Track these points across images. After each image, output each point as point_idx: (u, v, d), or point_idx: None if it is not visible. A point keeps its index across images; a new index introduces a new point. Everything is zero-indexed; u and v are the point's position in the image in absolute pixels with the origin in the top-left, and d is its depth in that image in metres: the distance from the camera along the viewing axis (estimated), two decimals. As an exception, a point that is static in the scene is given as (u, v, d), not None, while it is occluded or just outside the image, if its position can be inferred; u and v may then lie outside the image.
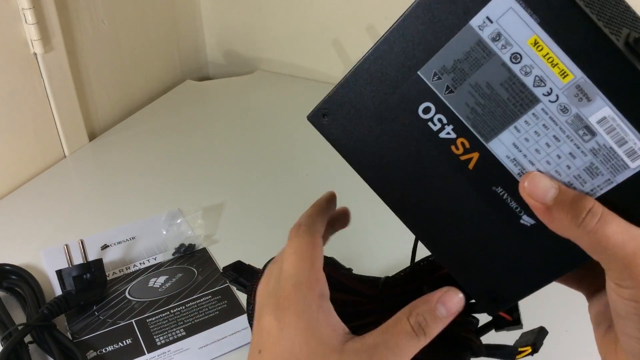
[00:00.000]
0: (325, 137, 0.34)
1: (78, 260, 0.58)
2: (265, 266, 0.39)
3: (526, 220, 0.31)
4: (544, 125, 0.29)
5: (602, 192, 0.29)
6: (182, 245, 0.66)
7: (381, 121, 0.33)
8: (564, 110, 0.29)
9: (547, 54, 0.28)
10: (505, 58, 0.29)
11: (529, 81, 0.29)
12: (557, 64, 0.28)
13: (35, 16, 0.71)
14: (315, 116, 0.34)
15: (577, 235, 0.28)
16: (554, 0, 0.27)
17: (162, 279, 0.62)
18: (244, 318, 0.58)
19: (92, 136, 0.87)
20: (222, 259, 0.64)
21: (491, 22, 0.28)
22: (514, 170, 0.31)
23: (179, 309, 0.59)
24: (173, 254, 0.65)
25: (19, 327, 0.52)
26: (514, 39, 0.28)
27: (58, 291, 0.58)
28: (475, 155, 0.31)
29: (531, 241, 0.32)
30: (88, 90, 0.85)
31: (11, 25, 0.71)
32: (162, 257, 0.65)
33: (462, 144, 0.31)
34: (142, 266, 0.64)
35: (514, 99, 0.29)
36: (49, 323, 0.53)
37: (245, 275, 0.43)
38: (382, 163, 0.33)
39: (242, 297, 0.59)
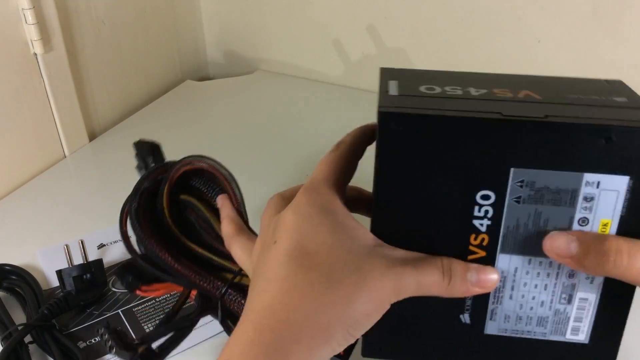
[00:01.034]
0: (385, 140, 0.31)
1: (77, 260, 0.58)
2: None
3: (465, 318, 0.34)
4: (548, 273, 0.32)
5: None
6: None
7: (443, 169, 0.31)
8: (570, 275, 0.33)
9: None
10: (577, 216, 0.31)
11: None
12: None
13: (35, 16, 0.71)
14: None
15: (618, 275, 0.29)
16: None
17: None
18: None
19: (92, 136, 0.87)
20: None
21: (597, 187, 0.30)
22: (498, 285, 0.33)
23: (164, 297, 0.59)
24: None
25: (19, 327, 0.52)
26: (597, 211, 0.31)
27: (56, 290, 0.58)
28: (481, 254, 0.33)
29: (461, 339, 0.35)
30: (88, 90, 0.85)
31: (11, 26, 0.71)
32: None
33: (482, 239, 0.32)
34: (124, 259, 0.64)
35: None
36: (49, 323, 0.53)
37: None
38: (409, 197, 0.32)
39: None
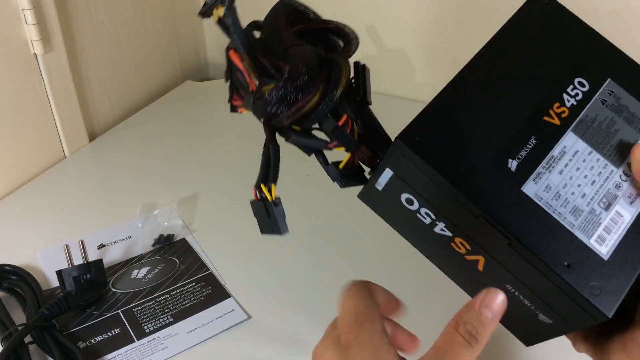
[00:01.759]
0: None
1: (77, 260, 0.58)
2: None
3: (512, 165, 0.34)
4: (600, 172, 0.35)
5: None
6: (161, 236, 0.66)
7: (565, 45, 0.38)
8: (617, 186, 0.35)
9: None
10: None
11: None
12: None
13: (35, 17, 0.71)
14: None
15: None
16: None
17: (144, 270, 0.63)
18: (230, 301, 0.59)
19: (92, 136, 0.87)
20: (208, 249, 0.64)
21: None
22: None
23: (164, 297, 0.59)
24: (153, 245, 0.66)
25: (19, 328, 0.52)
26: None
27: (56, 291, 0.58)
28: (556, 122, 0.35)
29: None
30: (88, 90, 0.85)
31: (11, 26, 0.71)
32: (143, 249, 0.65)
33: (563, 112, 0.36)
34: (123, 259, 0.64)
35: None
36: (49, 323, 0.53)
37: None
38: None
39: (227, 283, 0.60)
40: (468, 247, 0.34)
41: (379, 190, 0.35)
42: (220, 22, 0.34)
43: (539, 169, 0.34)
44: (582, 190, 0.34)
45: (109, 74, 0.88)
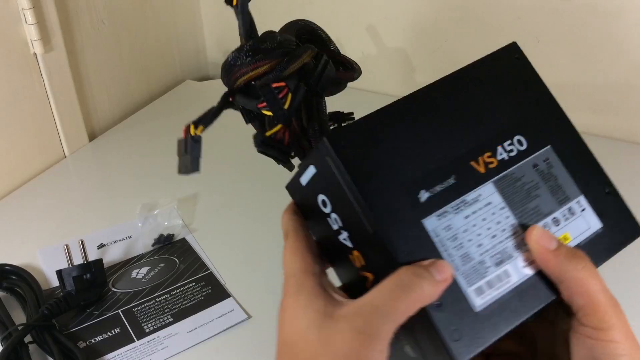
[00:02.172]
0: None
1: (77, 260, 0.58)
2: None
3: None
4: (504, 229, 0.35)
5: None
6: (160, 235, 0.66)
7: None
8: (517, 246, 0.35)
9: None
10: (556, 215, 0.36)
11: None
12: None
13: (35, 16, 0.71)
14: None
15: (578, 277, 0.32)
16: None
17: (144, 270, 0.63)
18: (230, 301, 0.59)
19: (92, 136, 0.87)
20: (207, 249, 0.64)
21: (582, 212, 0.37)
22: None
23: (164, 297, 0.59)
24: (153, 245, 0.66)
25: (19, 327, 0.52)
26: (569, 224, 0.36)
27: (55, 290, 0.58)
28: (480, 169, 0.35)
29: None
30: (88, 90, 0.85)
31: (11, 25, 0.71)
32: (142, 249, 0.65)
33: (492, 162, 0.36)
34: (123, 259, 0.64)
35: None
36: (49, 323, 0.53)
37: None
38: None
39: (227, 283, 0.60)
40: (363, 262, 0.34)
41: (302, 185, 0.36)
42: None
43: (447, 207, 0.34)
44: (480, 240, 0.34)
45: (109, 73, 0.88)
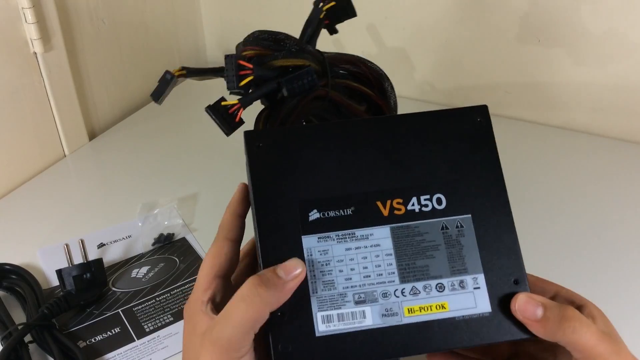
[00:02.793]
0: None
1: (77, 259, 0.58)
2: None
3: None
4: (392, 272, 0.35)
5: None
6: (160, 235, 0.66)
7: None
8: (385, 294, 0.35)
9: None
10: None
11: None
12: None
13: (35, 15, 0.71)
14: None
15: (571, 339, 0.32)
16: None
17: (144, 269, 0.63)
18: None
19: (92, 136, 0.87)
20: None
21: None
22: None
23: (164, 296, 0.59)
24: (153, 245, 0.66)
25: (19, 327, 0.52)
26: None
27: (56, 290, 0.58)
28: (384, 212, 0.36)
29: None
30: (88, 90, 0.85)
31: (11, 25, 0.71)
32: (142, 248, 0.65)
33: (400, 209, 0.36)
34: (123, 258, 0.64)
35: None
36: (49, 322, 0.53)
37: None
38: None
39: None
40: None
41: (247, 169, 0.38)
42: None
43: (331, 233, 0.34)
44: (351, 274, 0.34)
45: (108, 72, 0.88)
